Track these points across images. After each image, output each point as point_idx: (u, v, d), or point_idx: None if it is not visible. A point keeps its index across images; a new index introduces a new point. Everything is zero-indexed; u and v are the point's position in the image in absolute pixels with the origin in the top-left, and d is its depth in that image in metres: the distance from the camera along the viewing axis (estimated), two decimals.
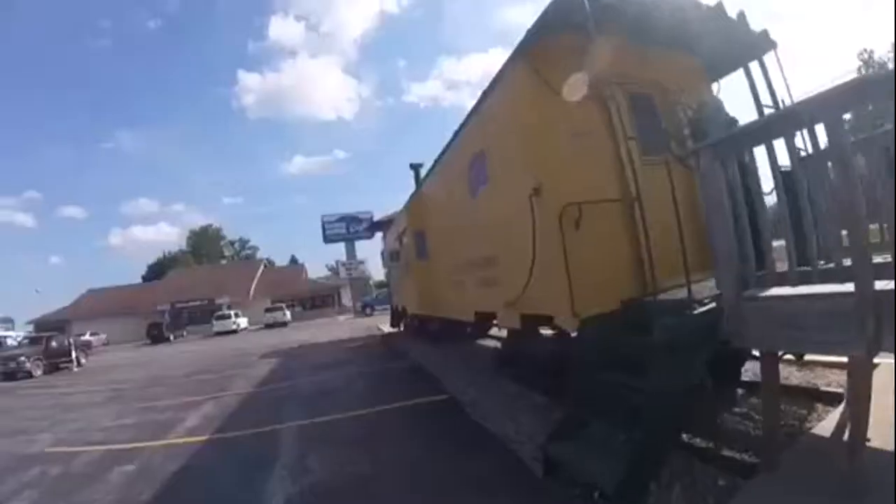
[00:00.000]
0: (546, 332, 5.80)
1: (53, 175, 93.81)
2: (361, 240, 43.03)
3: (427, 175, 9.95)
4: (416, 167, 13.10)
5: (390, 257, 10.55)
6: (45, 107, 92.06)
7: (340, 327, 27.93)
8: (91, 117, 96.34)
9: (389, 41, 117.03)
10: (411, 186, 13.04)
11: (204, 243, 76.22)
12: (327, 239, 42.30)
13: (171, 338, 38.04)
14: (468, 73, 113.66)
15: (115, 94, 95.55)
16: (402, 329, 16.33)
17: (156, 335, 37.41)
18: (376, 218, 24.85)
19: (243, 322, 40.07)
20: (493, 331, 10.60)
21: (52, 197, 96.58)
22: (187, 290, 48.13)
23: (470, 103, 8.98)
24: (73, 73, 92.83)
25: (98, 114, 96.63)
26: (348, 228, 42.28)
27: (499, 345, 9.11)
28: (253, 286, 49.88)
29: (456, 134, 7.20)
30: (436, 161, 8.86)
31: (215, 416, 7.67)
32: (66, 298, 53.22)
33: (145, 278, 66.28)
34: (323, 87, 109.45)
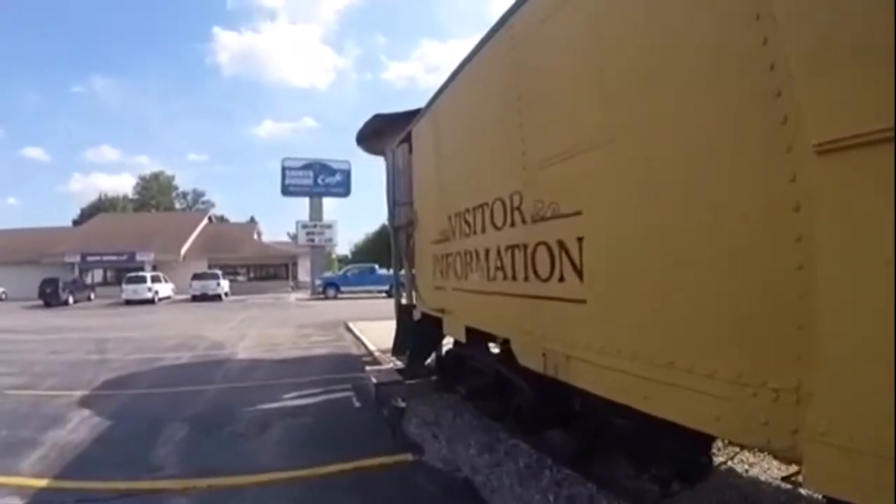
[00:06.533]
0: None
1: (19, 114, 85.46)
2: (333, 196, 32.90)
3: None
4: None
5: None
6: (16, 44, 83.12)
7: (289, 318, 18.13)
8: (63, 59, 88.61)
9: (373, 16, 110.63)
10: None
11: (154, 192, 67.13)
12: (287, 190, 31.78)
13: (71, 300, 28.30)
14: (450, 58, 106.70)
15: (91, 38, 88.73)
16: (430, 366, 6.62)
17: (49, 295, 27.48)
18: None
19: (164, 289, 30.09)
20: None
21: (15, 136, 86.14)
22: (108, 240, 36.87)
23: None
24: (49, 11, 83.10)
25: (70, 56, 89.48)
26: (316, 179, 31.91)
27: None
28: (188, 243, 38.89)
29: None
30: None
31: None
32: None
33: (77, 223, 55.16)
34: (300, 54, 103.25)
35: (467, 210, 4.35)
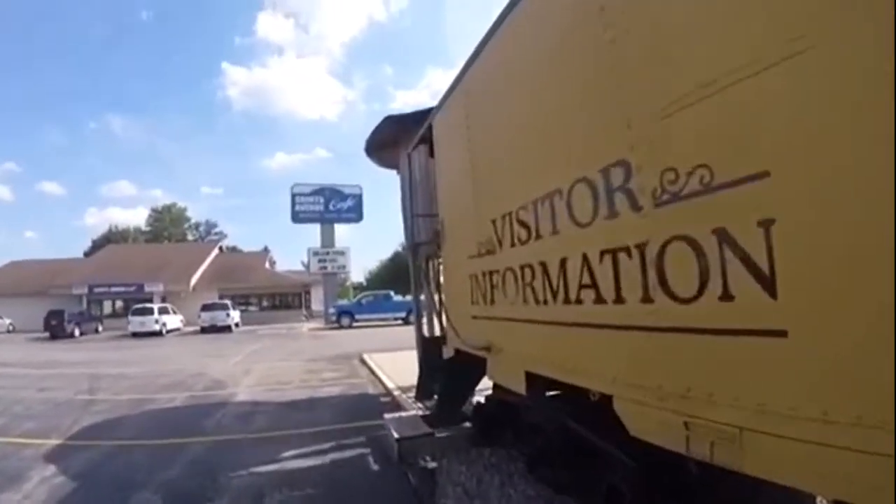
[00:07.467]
0: None
1: (35, 150, 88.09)
2: (344, 222, 31.95)
3: None
4: None
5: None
6: (32, 83, 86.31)
7: (300, 351, 16.94)
8: (77, 98, 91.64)
9: (378, 48, 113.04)
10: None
11: (167, 224, 66.66)
12: (297, 217, 30.90)
13: (77, 332, 27.60)
14: None
15: (105, 78, 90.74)
16: (464, 412, 5.33)
17: (55, 327, 26.85)
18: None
19: (173, 321, 29.12)
20: None
21: (32, 172, 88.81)
22: (117, 271, 36.32)
23: None
24: (66, 53, 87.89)
25: (85, 95, 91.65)
26: (327, 205, 31.02)
27: None
28: (198, 274, 38.10)
29: None
30: None
31: None
32: None
33: (87, 255, 54.56)
34: (308, 86, 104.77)
35: (522, 207, 3.15)
